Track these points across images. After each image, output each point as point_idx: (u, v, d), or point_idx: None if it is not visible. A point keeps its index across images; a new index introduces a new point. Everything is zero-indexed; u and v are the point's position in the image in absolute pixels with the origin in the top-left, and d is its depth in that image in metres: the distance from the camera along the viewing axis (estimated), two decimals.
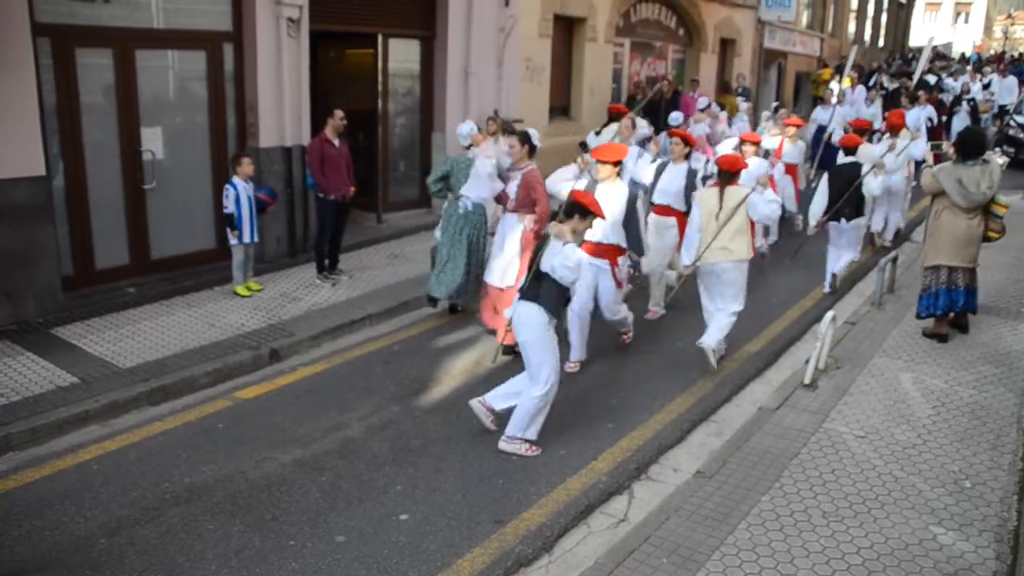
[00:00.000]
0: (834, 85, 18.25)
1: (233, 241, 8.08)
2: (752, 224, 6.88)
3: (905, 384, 6.32)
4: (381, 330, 7.77)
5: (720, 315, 6.82)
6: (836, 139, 11.53)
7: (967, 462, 5.16)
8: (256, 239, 8.27)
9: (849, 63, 13.36)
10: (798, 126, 11.44)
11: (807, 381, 6.28)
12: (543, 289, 5.31)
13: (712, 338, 6.68)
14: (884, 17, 35.42)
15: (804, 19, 25.17)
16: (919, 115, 13.48)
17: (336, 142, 8.67)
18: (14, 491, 4.98)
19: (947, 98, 18.68)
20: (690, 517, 4.59)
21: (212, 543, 4.49)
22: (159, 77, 8.50)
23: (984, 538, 4.38)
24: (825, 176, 8.92)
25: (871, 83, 20.04)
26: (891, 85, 19.89)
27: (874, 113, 15.27)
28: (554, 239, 5.24)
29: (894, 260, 8.60)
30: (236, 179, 8.00)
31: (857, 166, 8.70)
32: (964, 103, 17.54)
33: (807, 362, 6.45)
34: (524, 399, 5.43)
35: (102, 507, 4.80)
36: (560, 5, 13.76)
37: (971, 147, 6.94)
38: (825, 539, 4.38)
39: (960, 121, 16.68)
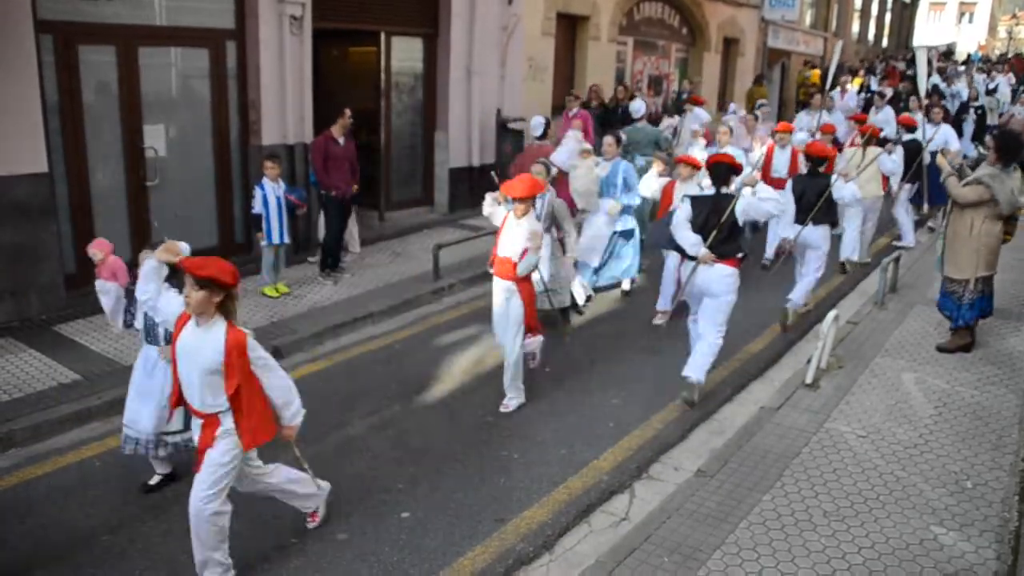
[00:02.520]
0: (850, 87, 17.87)
1: (262, 242, 8.08)
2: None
3: (907, 384, 6.32)
4: (383, 328, 7.77)
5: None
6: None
7: (968, 462, 5.15)
8: (287, 240, 8.24)
9: (834, 61, 12.48)
10: (788, 131, 10.14)
11: (809, 381, 6.27)
12: (731, 247, 6.06)
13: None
14: (888, 17, 35.35)
15: (808, 18, 25.14)
16: (944, 135, 11.44)
17: (341, 140, 8.67)
18: (16, 487, 4.99)
19: (950, 104, 17.55)
20: (691, 516, 4.59)
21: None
22: (162, 74, 8.50)
23: (985, 538, 4.38)
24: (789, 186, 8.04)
25: (861, 87, 19.66)
26: (880, 89, 19.31)
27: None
28: (746, 191, 6.19)
29: (896, 260, 8.59)
30: (265, 180, 8.03)
31: (825, 178, 7.73)
32: (971, 111, 16.52)
33: (809, 362, 6.44)
34: (707, 345, 6.16)
35: (104, 504, 4.82)
36: (563, 4, 13.77)
37: (1013, 151, 6.74)
38: (826, 538, 4.38)
39: (968, 130, 15.62)
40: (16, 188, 7.05)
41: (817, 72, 21.26)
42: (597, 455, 5.45)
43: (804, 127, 12.30)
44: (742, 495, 4.79)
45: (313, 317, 7.64)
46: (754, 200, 6.14)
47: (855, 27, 30.92)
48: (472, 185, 11.61)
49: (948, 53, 31.16)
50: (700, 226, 6.08)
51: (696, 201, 6.23)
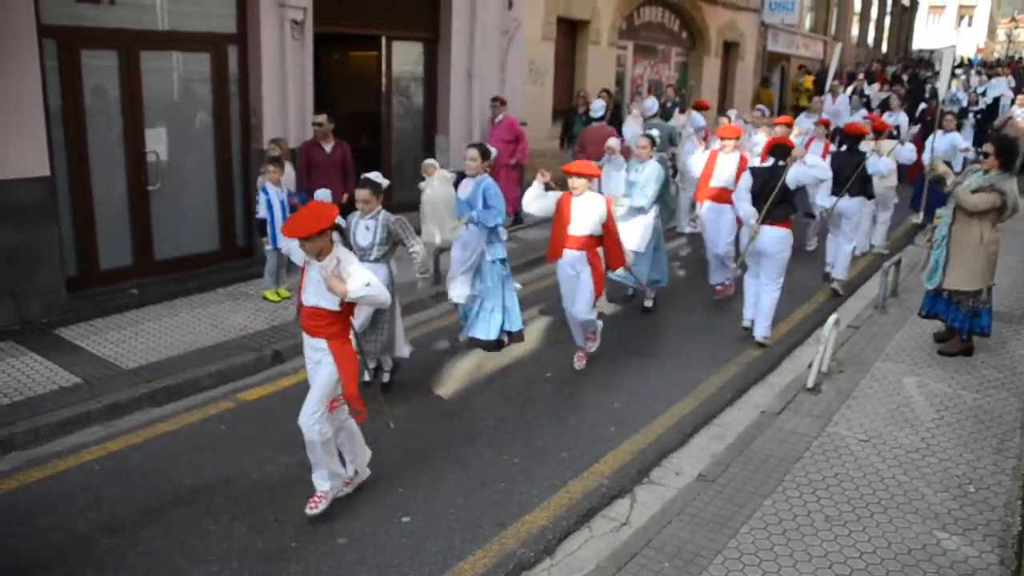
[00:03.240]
0: (841, 92, 17.82)
1: (266, 247, 7.99)
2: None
3: (908, 388, 6.31)
4: None
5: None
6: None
7: (971, 466, 5.15)
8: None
9: (833, 65, 12.47)
10: (788, 124, 10.89)
11: (810, 385, 6.27)
12: (784, 210, 7.13)
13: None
14: (887, 20, 35.42)
15: (807, 22, 25.18)
16: (951, 143, 11.78)
17: (327, 147, 8.48)
18: (17, 491, 4.98)
19: (948, 108, 18.00)
20: (692, 521, 4.58)
21: (214, 544, 4.49)
22: (164, 79, 8.52)
23: (988, 543, 4.37)
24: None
25: (852, 90, 19.52)
26: (872, 93, 19.20)
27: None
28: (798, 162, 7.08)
29: (897, 263, 8.60)
30: (268, 185, 7.92)
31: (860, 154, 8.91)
32: (971, 115, 16.42)
33: (810, 366, 6.44)
34: (767, 301, 7.33)
35: (104, 508, 4.81)
36: (564, 8, 13.79)
37: (1012, 156, 6.68)
38: (828, 543, 4.37)
39: (966, 136, 14.98)
40: (18, 191, 7.05)
41: (811, 78, 21.22)
42: (598, 459, 5.45)
43: (804, 129, 12.28)
44: (743, 500, 4.78)
45: None
46: (803, 168, 7.18)
47: (854, 31, 30.98)
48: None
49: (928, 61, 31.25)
50: (757, 193, 7.25)
51: (755, 172, 7.45)
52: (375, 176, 5.99)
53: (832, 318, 6.47)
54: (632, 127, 11.49)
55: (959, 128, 15.02)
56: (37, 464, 5.29)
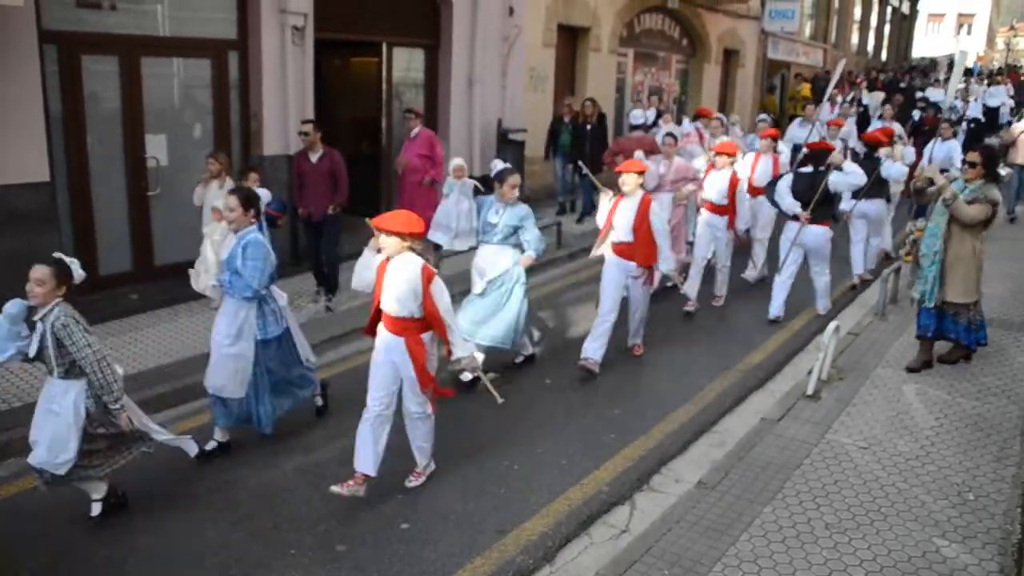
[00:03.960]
0: (867, 98, 17.76)
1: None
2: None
3: (908, 395, 6.31)
4: None
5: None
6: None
7: (970, 474, 5.14)
8: None
9: (835, 77, 12.43)
10: (774, 137, 10.24)
11: (810, 392, 6.27)
12: (825, 212, 7.96)
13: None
14: (887, 28, 35.52)
15: (807, 30, 25.24)
16: (948, 152, 11.57)
17: (313, 157, 8.16)
18: (15, 497, 4.99)
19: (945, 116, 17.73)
20: (692, 528, 4.57)
21: (213, 551, 4.48)
22: (164, 84, 8.54)
23: (988, 551, 4.36)
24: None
25: (850, 98, 19.37)
26: (871, 101, 19.11)
27: (849, 131, 13.72)
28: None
29: (897, 271, 8.60)
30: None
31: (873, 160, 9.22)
32: (964, 123, 16.18)
33: (810, 373, 6.44)
34: (821, 286, 8.43)
35: (103, 514, 4.79)
36: (564, 15, 13.82)
37: (995, 165, 6.50)
38: (828, 551, 4.37)
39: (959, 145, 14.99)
40: (18, 197, 7.06)
41: (808, 86, 21.16)
42: (597, 466, 5.44)
43: (798, 138, 12.21)
44: (743, 507, 4.78)
45: (313, 328, 7.62)
46: (841, 175, 7.95)
47: (854, 39, 31.06)
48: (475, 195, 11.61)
49: (949, 65, 31.20)
50: (798, 195, 7.94)
51: (798, 176, 8.15)
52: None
53: (832, 325, 6.47)
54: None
55: (952, 137, 14.93)
56: None
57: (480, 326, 6.49)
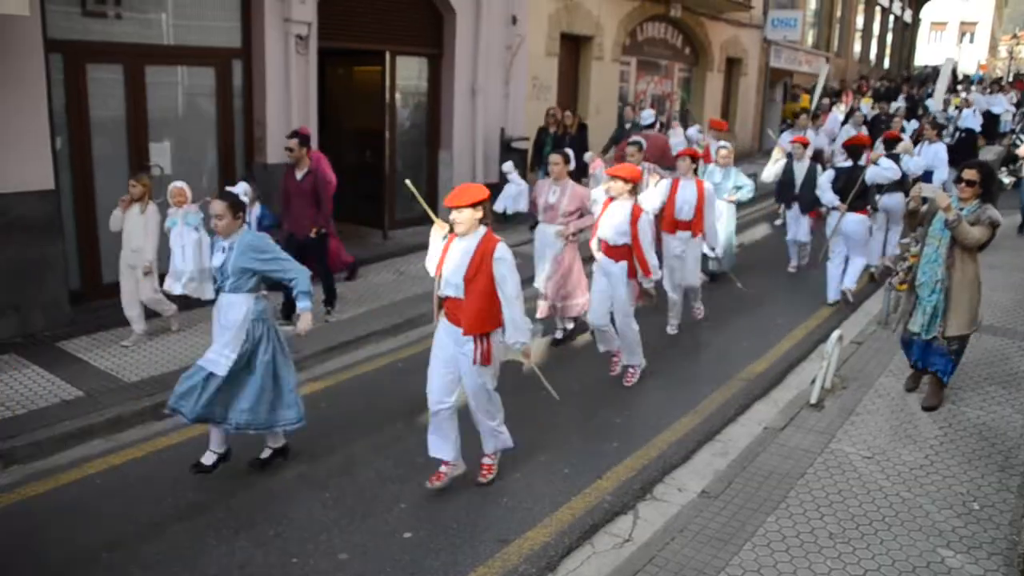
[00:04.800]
0: (835, 110, 17.64)
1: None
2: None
3: (912, 404, 6.29)
4: (386, 347, 7.77)
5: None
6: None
7: (975, 484, 5.12)
8: None
9: (819, 85, 12.42)
10: (804, 144, 10.59)
11: (813, 401, 6.25)
12: (862, 203, 8.69)
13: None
14: (890, 37, 35.56)
15: (810, 38, 25.27)
16: (935, 153, 11.53)
17: (299, 174, 7.75)
18: (18, 505, 4.98)
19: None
20: (695, 538, 4.56)
21: (215, 559, 4.48)
22: (168, 93, 8.57)
23: (993, 561, 4.34)
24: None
25: (849, 110, 19.23)
26: (869, 111, 19.00)
27: (831, 131, 13.87)
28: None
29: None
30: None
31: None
32: (957, 132, 15.33)
33: (813, 382, 6.42)
34: (856, 266, 8.98)
35: (105, 522, 4.80)
36: (567, 24, 13.85)
37: (992, 185, 6.03)
38: (832, 561, 4.35)
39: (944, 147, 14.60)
40: (23, 205, 7.08)
41: (807, 97, 21.00)
42: (600, 475, 5.43)
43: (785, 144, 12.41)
44: (746, 516, 4.76)
45: (317, 336, 7.62)
46: (878, 168, 8.70)
47: (857, 47, 31.09)
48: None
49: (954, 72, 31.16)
50: (839, 189, 8.66)
51: (838, 171, 8.87)
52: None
53: (835, 334, 6.46)
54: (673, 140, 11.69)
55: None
56: (39, 477, 5.28)
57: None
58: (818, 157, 12.03)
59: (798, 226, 10.43)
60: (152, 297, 7.23)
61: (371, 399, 6.60)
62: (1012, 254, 10.89)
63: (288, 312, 7.69)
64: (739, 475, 5.24)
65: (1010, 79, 32.63)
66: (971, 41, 50.48)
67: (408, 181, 5.67)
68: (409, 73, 11.53)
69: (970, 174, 5.86)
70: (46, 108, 7.22)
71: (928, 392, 6.26)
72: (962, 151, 14.39)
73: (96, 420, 5.87)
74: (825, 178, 8.98)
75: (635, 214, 6.43)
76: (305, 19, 9.20)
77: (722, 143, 10.13)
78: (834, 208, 8.82)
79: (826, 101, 16.98)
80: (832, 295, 9.17)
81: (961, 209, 5.84)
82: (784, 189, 10.40)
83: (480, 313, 4.80)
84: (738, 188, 9.60)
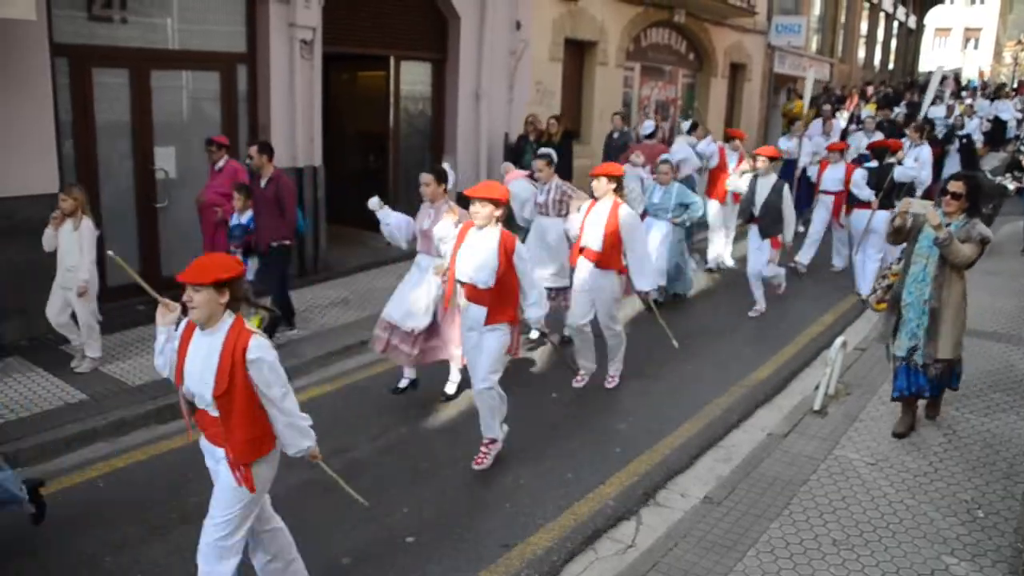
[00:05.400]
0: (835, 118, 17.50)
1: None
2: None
3: (916, 411, 6.27)
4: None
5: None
6: (812, 174, 11.38)
7: (979, 491, 5.10)
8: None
9: (807, 92, 12.40)
10: (841, 150, 10.54)
11: (817, 407, 6.24)
12: (890, 201, 9.12)
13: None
14: (894, 43, 35.54)
15: (814, 44, 25.26)
16: (918, 154, 11.62)
17: (262, 182, 7.34)
18: None
19: (940, 132, 16.18)
20: (698, 544, 4.55)
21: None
22: (173, 97, 8.59)
23: (998, 569, 4.33)
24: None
25: (850, 117, 19.05)
26: (870, 117, 18.91)
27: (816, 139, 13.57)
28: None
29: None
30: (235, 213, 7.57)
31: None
32: (956, 140, 15.26)
33: (817, 388, 6.41)
34: (872, 267, 9.31)
35: (109, 524, 4.80)
36: (571, 29, 13.87)
37: (981, 198, 5.75)
38: (835, 568, 4.34)
39: (951, 163, 14.54)
40: (28, 208, 7.09)
41: (801, 104, 20.82)
42: (603, 480, 5.42)
43: (790, 151, 12.69)
44: (749, 523, 4.75)
45: (319, 340, 7.65)
46: (903, 168, 9.63)
47: (861, 53, 31.08)
48: None
49: (957, 78, 31.17)
50: (873, 187, 9.29)
51: (870, 171, 9.48)
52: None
53: (839, 340, 6.45)
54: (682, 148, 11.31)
55: (943, 155, 14.52)
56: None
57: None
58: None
59: (758, 256, 8.76)
60: (88, 322, 6.60)
61: (373, 403, 6.59)
62: (1016, 260, 10.88)
63: (289, 318, 7.66)
64: (742, 481, 5.23)
65: (1014, 85, 32.56)
66: (975, 47, 50.47)
67: (111, 252, 4.20)
68: (413, 78, 11.55)
69: (956, 186, 5.45)
70: (52, 112, 7.25)
71: (926, 406, 6.04)
72: (963, 158, 14.44)
73: (100, 423, 5.88)
74: (860, 176, 9.42)
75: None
76: (310, 24, 9.22)
77: (664, 157, 9.33)
78: (866, 204, 9.30)
79: (827, 108, 16.84)
80: (865, 288, 9.20)
81: (948, 224, 5.39)
82: (744, 209, 9.11)
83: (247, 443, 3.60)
84: (684, 207, 8.73)
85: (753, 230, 8.76)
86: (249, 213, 7.52)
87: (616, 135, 12.70)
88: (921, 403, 5.98)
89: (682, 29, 17.57)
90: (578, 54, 14.63)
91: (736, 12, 18.20)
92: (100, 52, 7.83)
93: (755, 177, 8.82)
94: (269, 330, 7.26)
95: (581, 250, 6.64)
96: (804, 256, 10.83)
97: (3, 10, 6.17)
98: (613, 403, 6.66)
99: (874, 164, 9.67)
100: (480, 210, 5.19)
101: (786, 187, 8.69)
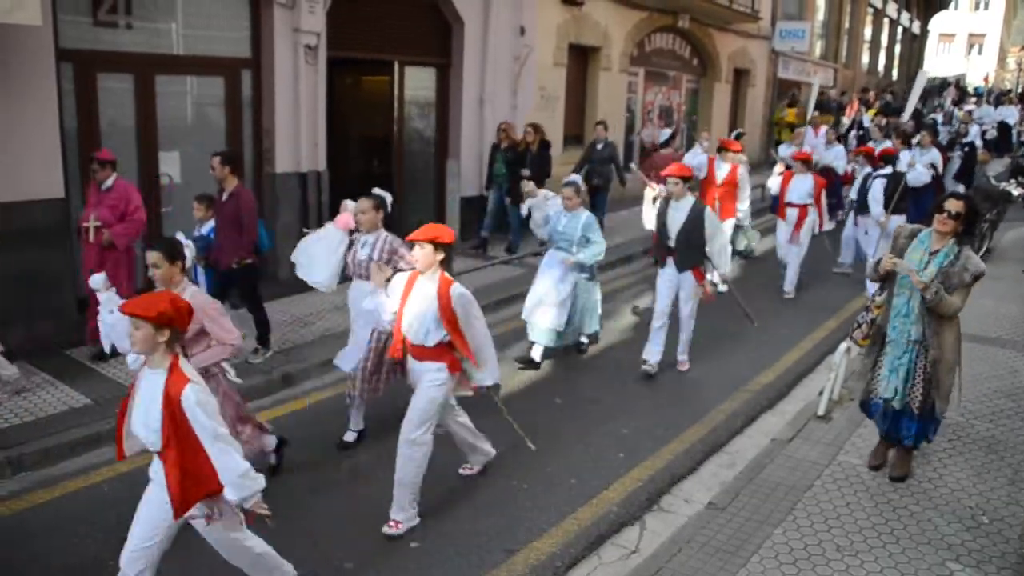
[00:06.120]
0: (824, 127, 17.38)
1: None
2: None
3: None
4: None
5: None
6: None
7: (984, 497, 5.09)
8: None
9: (812, 99, 12.40)
10: (807, 160, 10.19)
11: (821, 413, 6.23)
12: (904, 206, 9.54)
13: None
14: (898, 48, 35.54)
15: (818, 49, 25.27)
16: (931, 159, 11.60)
17: (224, 196, 7.02)
18: (25, 512, 4.99)
19: (943, 140, 16.14)
20: (702, 549, 4.54)
21: (220, 565, 4.46)
22: (178, 102, 8.62)
23: (1003, 575, 4.31)
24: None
25: (851, 123, 18.97)
26: (870, 123, 18.78)
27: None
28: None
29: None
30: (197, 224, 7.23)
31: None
32: (958, 148, 14.78)
33: (821, 393, 6.40)
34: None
35: (112, 529, 4.78)
36: (575, 35, 13.89)
37: (974, 222, 5.07)
38: (839, 573, 4.32)
39: (953, 170, 13.92)
40: (33, 213, 7.12)
41: (793, 111, 20.69)
42: (606, 485, 5.42)
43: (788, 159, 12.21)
44: (753, 528, 4.74)
45: (323, 344, 7.65)
46: (917, 172, 10.19)
47: (865, 58, 31.08)
48: (484, 213, 11.62)
49: (956, 85, 31.13)
50: (889, 193, 9.53)
51: (885, 178, 9.65)
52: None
53: (843, 346, 6.43)
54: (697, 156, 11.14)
55: (946, 161, 14.59)
56: (47, 485, 5.30)
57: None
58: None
59: (681, 290, 7.24)
60: None
61: (376, 409, 6.57)
62: (1020, 265, 10.85)
63: (264, 337, 7.29)
64: (746, 487, 5.22)
65: (1019, 91, 32.52)
66: (980, 53, 50.43)
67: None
68: (417, 83, 11.57)
69: (956, 205, 4.85)
70: (57, 117, 7.27)
71: (895, 459, 5.35)
72: (964, 166, 14.37)
73: (104, 428, 5.87)
74: (879, 188, 9.59)
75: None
76: (314, 29, 9.25)
77: (569, 179, 8.01)
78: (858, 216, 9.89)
79: (817, 114, 16.67)
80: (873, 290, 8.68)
81: (936, 251, 4.87)
82: (658, 245, 7.37)
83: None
84: (588, 241, 7.13)
85: (667, 266, 7.26)
86: (210, 224, 7.18)
87: (600, 145, 12.06)
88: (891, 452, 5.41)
89: (686, 34, 17.59)
90: (582, 59, 14.66)
91: (740, 17, 18.22)
92: (105, 57, 7.86)
93: (666, 202, 7.19)
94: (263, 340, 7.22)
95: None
96: (788, 284, 10.08)
97: (9, 16, 6.20)
98: (616, 408, 6.65)
99: (888, 171, 9.79)
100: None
101: (708, 210, 7.21)
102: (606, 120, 12.85)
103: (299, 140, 9.37)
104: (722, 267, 7.35)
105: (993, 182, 12.36)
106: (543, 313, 7.30)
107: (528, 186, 8.00)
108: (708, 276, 7.52)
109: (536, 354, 7.41)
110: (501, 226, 11.50)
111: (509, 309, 8.89)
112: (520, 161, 11.04)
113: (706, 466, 5.81)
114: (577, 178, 7.53)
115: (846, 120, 19.57)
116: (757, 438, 6.22)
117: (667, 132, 12.25)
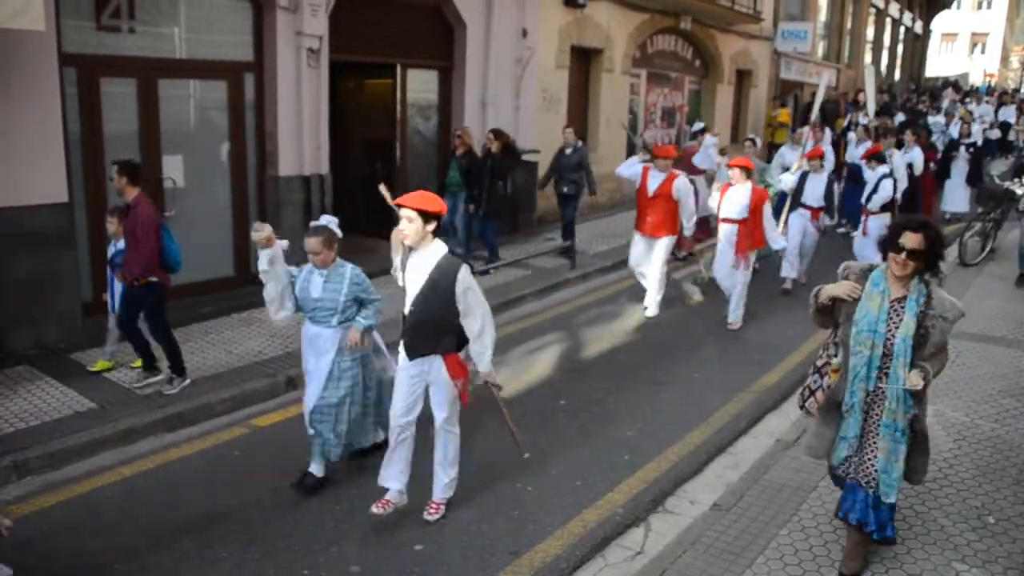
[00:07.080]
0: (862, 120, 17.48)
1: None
2: None
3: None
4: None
5: None
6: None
7: (990, 497, 5.07)
8: (114, 310, 6.79)
9: (818, 99, 12.27)
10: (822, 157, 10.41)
11: None
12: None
13: None
14: (900, 48, 35.49)
15: (820, 50, 25.25)
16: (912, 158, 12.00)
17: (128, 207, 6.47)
18: (30, 516, 4.99)
19: (938, 140, 16.13)
20: (707, 550, 4.53)
21: (226, 570, 4.48)
22: (181, 106, 8.64)
23: (1009, 575, 4.30)
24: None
25: (848, 123, 18.94)
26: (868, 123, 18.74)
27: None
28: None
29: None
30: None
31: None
32: (963, 148, 14.67)
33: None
34: None
35: (117, 533, 4.81)
36: (577, 37, 13.90)
37: (943, 251, 4.11)
38: None
39: (958, 171, 14.47)
40: (37, 217, 7.13)
41: (786, 111, 20.45)
42: (612, 487, 5.41)
43: (788, 161, 12.07)
44: (758, 529, 4.73)
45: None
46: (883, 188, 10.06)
47: (867, 58, 31.03)
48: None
49: (956, 85, 31.07)
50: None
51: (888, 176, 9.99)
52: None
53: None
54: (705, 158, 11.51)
55: (947, 166, 14.42)
56: (51, 489, 5.30)
57: None
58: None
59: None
60: None
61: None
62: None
63: (176, 363, 6.65)
64: (751, 488, 5.22)
65: (1006, 89, 32.48)
66: (983, 52, 50.37)
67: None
68: (420, 85, 11.58)
69: (913, 240, 3.86)
70: (60, 121, 7.28)
71: (848, 550, 4.32)
72: (972, 167, 14.37)
73: (108, 432, 5.89)
74: (888, 188, 9.88)
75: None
76: (317, 32, 9.26)
77: (323, 220, 6.00)
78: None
79: (816, 118, 16.59)
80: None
81: (899, 300, 3.98)
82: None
83: None
84: (358, 305, 5.75)
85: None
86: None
87: (569, 150, 11.26)
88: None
89: (688, 36, 17.59)
90: (584, 61, 14.66)
91: (742, 18, 18.21)
92: (108, 61, 7.88)
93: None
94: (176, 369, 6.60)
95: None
96: (733, 315, 8.88)
97: (13, 21, 6.21)
98: (621, 410, 6.65)
99: (886, 169, 10.06)
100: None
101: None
102: (573, 127, 11.91)
103: (302, 143, 9.38)
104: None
105: (997, 181, 12.33)
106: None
107: (264, 230, 5.10)
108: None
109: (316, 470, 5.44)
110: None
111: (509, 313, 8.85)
112: (479, 168, 10.37)
113: (711, 467, 5.81)
114: (330, 219, 5.44)
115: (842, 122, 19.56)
116: (761, 439, 6.21)
117: (700, 124, 12.36)
